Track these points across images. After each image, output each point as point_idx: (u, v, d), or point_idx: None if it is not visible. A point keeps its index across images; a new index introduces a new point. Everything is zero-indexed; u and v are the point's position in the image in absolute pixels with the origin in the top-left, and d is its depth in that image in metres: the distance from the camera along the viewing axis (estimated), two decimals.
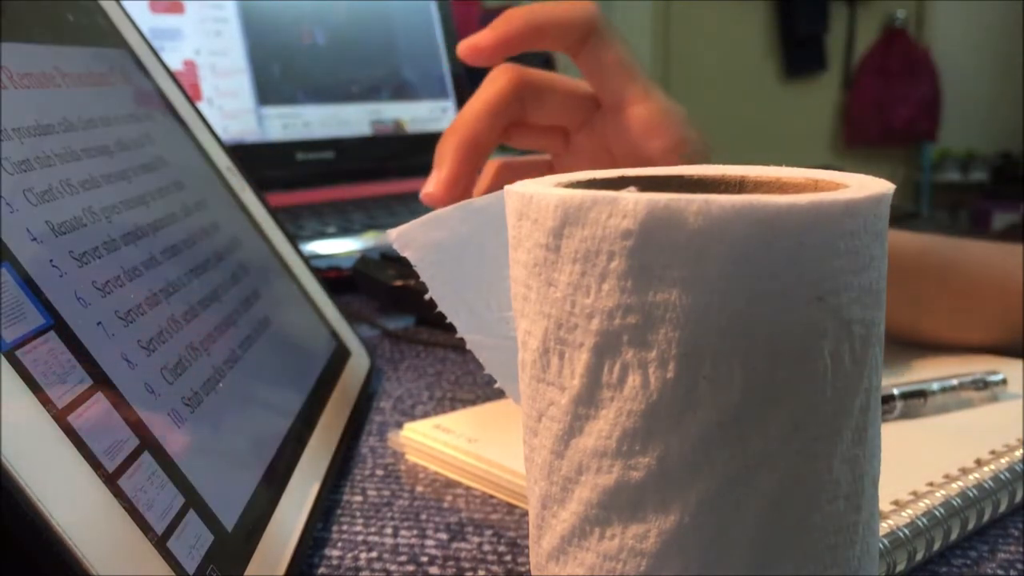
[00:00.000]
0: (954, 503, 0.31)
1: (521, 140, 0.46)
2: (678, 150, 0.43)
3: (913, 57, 3.65)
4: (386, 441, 0.42)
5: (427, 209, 0.31)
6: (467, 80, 1.04)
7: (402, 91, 1.00)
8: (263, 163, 0.86)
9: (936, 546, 0.31)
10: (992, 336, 0.48)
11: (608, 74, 0.43)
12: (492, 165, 0.47)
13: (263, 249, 0.45)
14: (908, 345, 0.49)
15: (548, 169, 0.48)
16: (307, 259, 0.50)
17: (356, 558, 0.32)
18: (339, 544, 0.33)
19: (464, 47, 0.43)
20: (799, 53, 3.77)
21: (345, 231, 0.79)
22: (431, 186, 0.42)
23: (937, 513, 0.31)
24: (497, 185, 0.46)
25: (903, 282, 0.46)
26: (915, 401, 0.39)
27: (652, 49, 3.43)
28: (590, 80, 0.44)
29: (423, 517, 0.35)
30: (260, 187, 0.49)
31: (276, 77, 0.90)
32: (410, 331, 0.61)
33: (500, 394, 0.45)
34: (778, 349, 0.19)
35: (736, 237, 0.18)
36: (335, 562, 0.32)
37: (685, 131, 0.44)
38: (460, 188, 0.43)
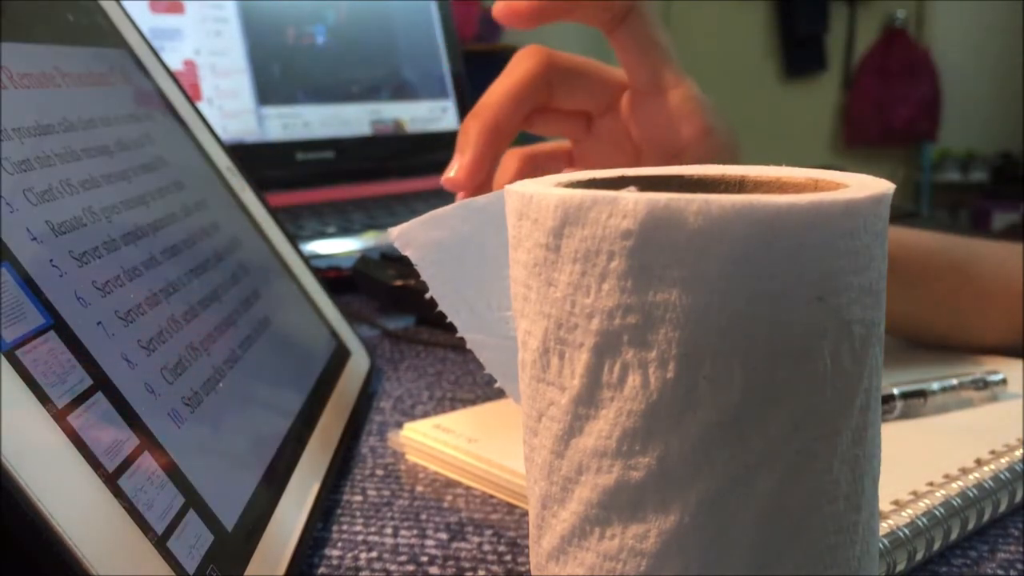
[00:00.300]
0: (954, 503, 0.31)
1: (544, 126, 0.45)
2: (706, 140, 0.42)
3: (913, 57, 3.66)
4: (386, 441, 0.42)
5: (427, 208, 0.31)
6: (467, 80, 1.04)
7: (402, 91, 1.00)
8: (263, 163, 0.86)
9: (936, 546, 0.31)
10: (999, 337, 0.47)
11: (643, 56, 0.42)
12: (513, 155, 0.46)
13: (263, 249, 0.45)
14: (909, 345, 0.49)
15: (569, 156, 0.47)
16: (307, 259, 0.50)
17: (356, 558, 0.32)
18: (339, 544, 0.33)
19: (500, 8, 0.41)
20: (799, 53, 3.77)
21: (345, 231, 0.79)
22: (453, 171, 0.41)
23: (937, 513, 0.31)
24: (520, 175, 0.45)
25: (913, 282, 0.45)
26: (915, 401, 0.39)
27: None
28: (624, 60, 0.43)
29: (423, 517, 0.35)
30: (260, 187, 0.49)
31: (276, 77, 0.90)
32: (410, 331, 0.61)
33: (500, 394, 0.45)
34: (778, 349, 0.19)
35: (736, 237, 0.18)
36: (335, 562, 0.32)
37: (715, 121, 0.43)
38: (483, 174, 0.41)
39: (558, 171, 0.44)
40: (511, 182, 0.45)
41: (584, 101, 0.44)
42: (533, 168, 0.46)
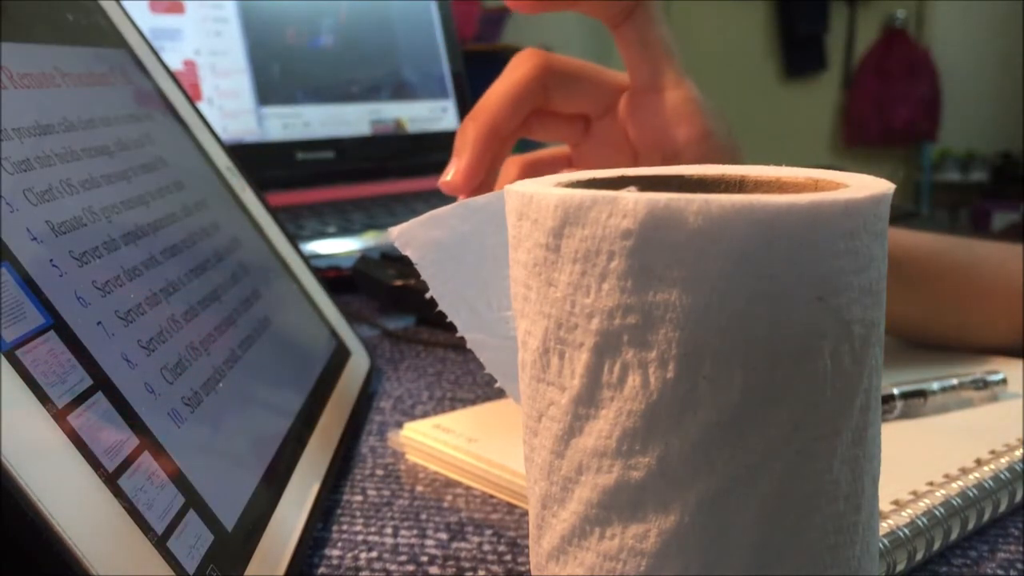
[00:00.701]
0: (954, 503, 0.31)
1: (542, 130, 0.44)
2: (704, 142, 0.42)
3: (913, 57, 3.66)
4: (386, 441, 0.42)
5: (427, 207, 0.31)
6: (467, 80, 1.04)
7: (402, 91, 1.00)
8: (263, 163, 0.86)
9: (936, 546, 0.31)
10: (999, 337, 0.47)
11: (647, 53, 0.42)
12: (513, 163, 0.45)
13: (263, 249, 0.45)
14: (909, 345, 0.49)
15: (568, 162, 0.47)
16: (307, 259, 0.50)
17: (356, 558, 0.32)
18: (339, 544, 0.33)
19: None
20: (799, 53, 3.77)
21: (345, 231, 0.79)
22: (450, 175, 0.41)
23: (937, 513, 0.31)
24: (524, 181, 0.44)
25: (916, 283, 0.45)
26: (915, 401, 0.39)
27: None
28: (626, 57, 0.43)
29: (423, 517, 0.35)
30: (260, 187, 0.49)
31: (276, 77, 0.90)
32: (410, 331, 0.61)
33: (500, 394, 0.45)
34: (778, 349, 0.19)
35: (736, 237, 0.18)
36: (335, 562, 0.32)
37: (714, 124, 0.43)
38: (480, 177, 0.41)
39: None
40: None
41: (582, 104, 0.44)
42: (533, 175, 0.45)
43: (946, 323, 0.48)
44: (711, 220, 0.18)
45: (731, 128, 0.44)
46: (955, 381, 0.40)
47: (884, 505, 0.31)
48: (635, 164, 0.45)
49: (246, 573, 0.27)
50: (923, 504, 0.31)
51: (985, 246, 0.49)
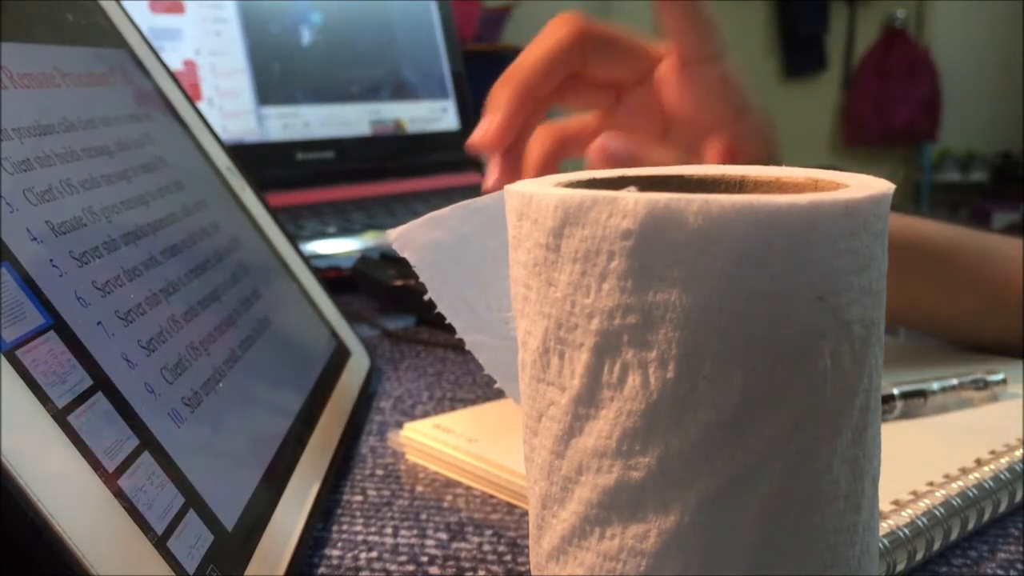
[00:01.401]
0: (954, 503, 0.31)
1: (575, 96, 0.44)
2: (744, 117, 0.42)
3: (913, 57, 3.66)
4: (386, 441, 0.42)
5: (427, 208, 0.30)
6: (467, 80, 1.04)
7: (402, 91, 1.00)
8: (263, 163, 0.86)
9: (936, 546, 0.31)
10: (1007, 333, 0.47)
11: (691, 26, 0.41)
12: (545, 131, 0.45)
13: (263, 249, 0.45)
14: (909, 345, 0.49)
15: (599, 129, 0.47)
16: (307, 259, 0.50)
17: (356, 558, 0.32)
18: (339, 544, 0.33)
19: None
20: (799, 53, 3.77)
21: (345, 231, 0.79)
22: (481, 133, 0.41)
23: (937, 513, 0.31)
24: (554, 150, 0.44)
25: (931, 270, 0.45)
26: (915, 401, 0.39)
27: None
28: (672, 28, 0.42)
29: (423, 517, 0.35)
30: (260, 187, 0.49)
31: (276, 77, 0.90)
32: (410, 331, 0.61)
33: (500, 394, 0.45)
34: (778, 349, 0.19)
35: (736, 237, 0.18)
36: (335, 562, 0.32)
37: (750, 103, 0.42)
38: (511, 137, 0.41)
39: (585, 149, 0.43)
40: (540, 161, 0.43)
41: (619, 71, 0.43)
42: (562, 148, 0.45)
43: (959, 312, 0.47)
44: (711, 220, 0.18)
45: (765, 110, 0.44)
46: (955, 381, 0.40)
47: (884, 505, 0.31)
48: (665, 135, 0.44)
49: (246, 573, 0.27)
50: (923, 504, 0.31)
51: (997, 239, 0.49)
